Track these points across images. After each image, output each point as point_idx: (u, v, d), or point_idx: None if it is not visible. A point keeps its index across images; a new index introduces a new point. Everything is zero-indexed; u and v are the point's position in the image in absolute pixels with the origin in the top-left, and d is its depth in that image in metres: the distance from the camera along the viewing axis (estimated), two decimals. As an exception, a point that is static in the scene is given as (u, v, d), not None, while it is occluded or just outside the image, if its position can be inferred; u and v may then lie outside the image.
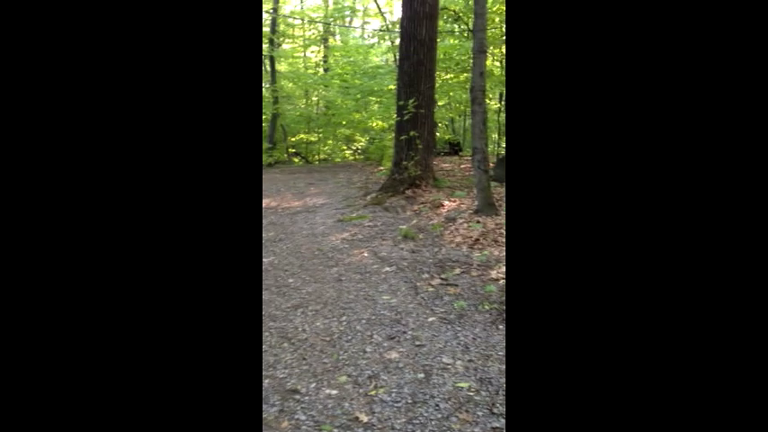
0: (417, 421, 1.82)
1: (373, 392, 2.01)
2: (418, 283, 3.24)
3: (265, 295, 3.18)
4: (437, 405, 1.90)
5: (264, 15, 14.06)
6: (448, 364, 2.21)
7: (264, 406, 1.95)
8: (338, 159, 13.45)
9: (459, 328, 2.56)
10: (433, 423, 1.80)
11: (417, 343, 2.43)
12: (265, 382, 2.13)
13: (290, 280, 3.45)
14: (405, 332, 2.55)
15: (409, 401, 1.94)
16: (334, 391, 2.04)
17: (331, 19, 14.36)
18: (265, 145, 12.72)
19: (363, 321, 2.71)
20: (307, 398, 2.00)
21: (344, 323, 2.70)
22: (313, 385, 2.09)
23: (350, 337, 2.53)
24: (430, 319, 2.70)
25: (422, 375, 2.12)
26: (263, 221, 5.44)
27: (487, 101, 7.62)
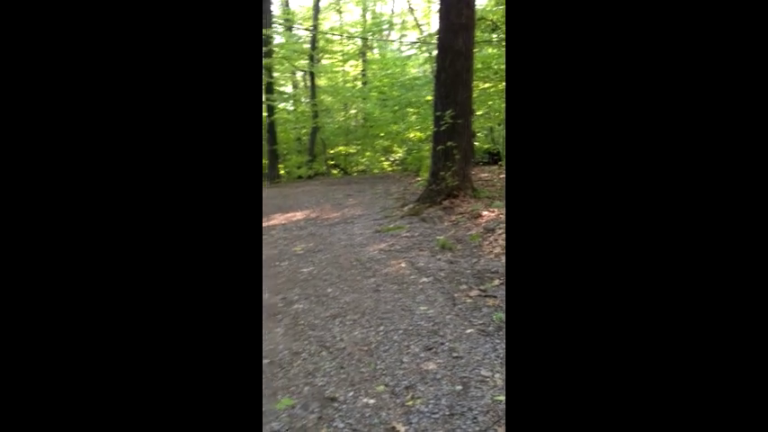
0: (455, 433, 1.80)
1: (410, 403, 2.02)
2: (456, 295, 3.22)
3: (305, 304, 3.25)
4: (475, 418, 1.88)
5: (305, 32, 14.50)
6: (486, 377, 2.18)
7: (304, 413, 2.00)
8: (376, 170, 13.57)
9: (497, 341, 2.52)
10: (470, 436, 1.78)
11: (455, 354, 2.41)
12: (305, 389, 2.18)
13: (329, 290, 3.52)
14: (442, 343, 2.54)
15: (447, 413, 1.93)
16: (372, 401, 2.06)
17: (369, 33, 14.63)
18: (305, 158, 13.04)
19: (400, 332, 2.71)
20: (344, 406, 2.03)
21: (382, 333, 2.72)
22: (351, 394, 2.12)
23: (387, 347, 2.54)
24: (468, 331, 2.67)
25: (459, 387, 2.11)
26: (303, 233, 5.57)
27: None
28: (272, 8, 13.33)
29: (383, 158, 14.55)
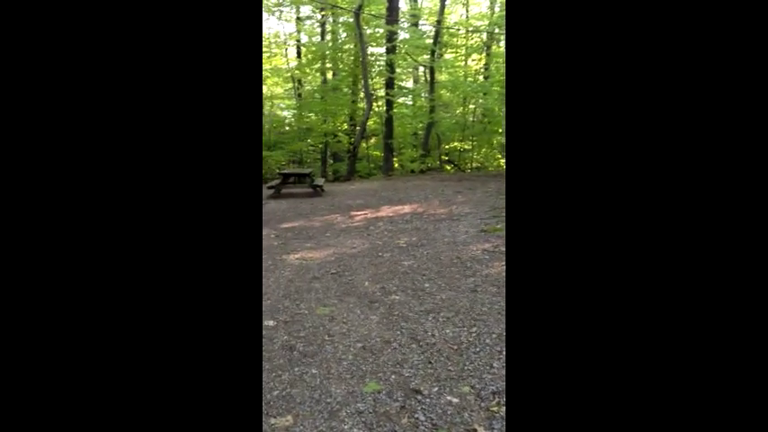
0: (537, 449, 1.72)
1: (495, 409, 1.97)
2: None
3: (401, 296, 3.34)
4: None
5: (429, 27, 14.58)
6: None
7: (388, 399, 2.07)
8: (491, 168, 13.21)
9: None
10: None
11: (549, 368, 2.28)
12: (392, 377, 2.26)
13: (426, 285, 3.56)
14: (536, 354, 2.42)
15: (531, 426, 1.85)
16: (456, 399, 2.06)
17: (495, 26, 14.19)
18: (419, 152, 13.19)
19: (494, 335, 2.65)
20: (428, 400, 2.06)
21: (474, 334, 2.69)
22: (435, 389, 2.14)
23: (478, 349, 2.51)
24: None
25: (549, 402, 2.00)
26: (408, 226, 5.68)
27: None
28: (400, 4, 13.63)
29: (500, 156, 14.10)
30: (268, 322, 2.99)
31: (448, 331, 2.74)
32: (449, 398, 2.07)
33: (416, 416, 1.95)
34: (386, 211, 6.85)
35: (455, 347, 2.54)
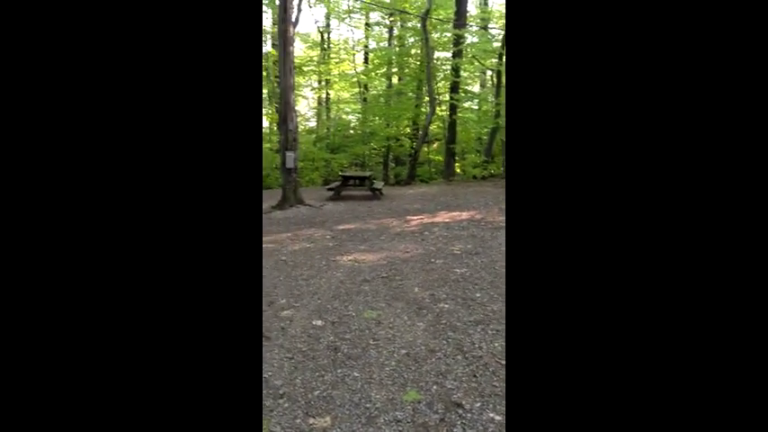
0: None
1: (540, 432, 1.86)
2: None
3: (450, 305, 3.26)
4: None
5: (498, 31, 14.25)
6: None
7: (428, 410, 2.02)
8: (557, 177, 12.60)
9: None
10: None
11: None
12: (433, 387, 2.20)
13: (477, 294, 3.45)
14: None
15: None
16: (498, 417, 1.96)
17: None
18: (482, 158, 12.90)
19: (545, 354, 2.51)
20: (469, 415, 1.99)
21: (524, 350, 2.56)
22: (478, 405, 2.06)
23: (527, 367, 2.38)
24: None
25: None
26: (464, 233, 5.56)
27: None
28: (469, 7, 13.45)
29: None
30: (316, 322, 3.05)
31: (497, 345, 2.64)
32: (491, 415, 1.98)
33: (455, 431, 1.89)
34: (443, 216, 6.76)
35: (502, 362, 2.43)
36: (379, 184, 9.89)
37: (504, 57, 13.10)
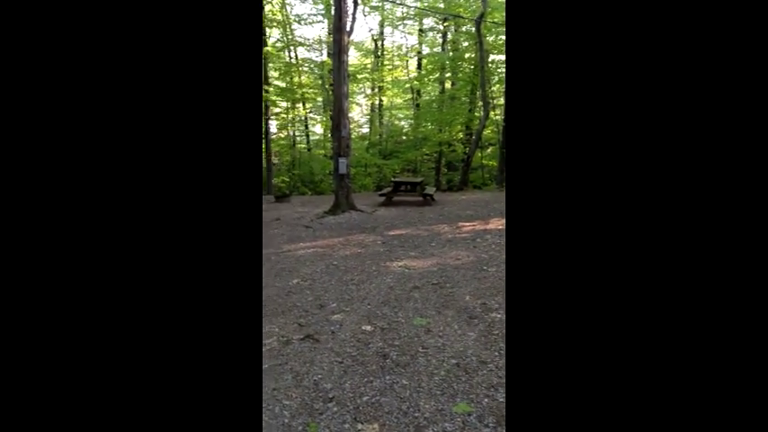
0: None
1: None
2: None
3: (503, 315, 3.16)
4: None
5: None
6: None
7: (478, 424, 1.96)
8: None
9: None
10: None
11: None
12: (484, 400, 2.13)
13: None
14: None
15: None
16: None
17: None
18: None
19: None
20: None
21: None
22: (531, 421, 1.97)
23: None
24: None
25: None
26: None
27: None
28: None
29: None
30: (365, 327, 3.06)
31: (552, 359, 2.51)
32: None
33: (507, 447, 1.81)
34: (495, 223, 6.59)
35: (558, 378, 2.32)
36: (430, 190, 9.83)
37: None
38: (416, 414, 2.05)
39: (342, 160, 8.16)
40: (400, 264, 4.64)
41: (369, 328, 3.04)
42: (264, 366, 2.53)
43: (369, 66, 18.34)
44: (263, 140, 15.19)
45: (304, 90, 16.46)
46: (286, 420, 2.01)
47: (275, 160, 16.43)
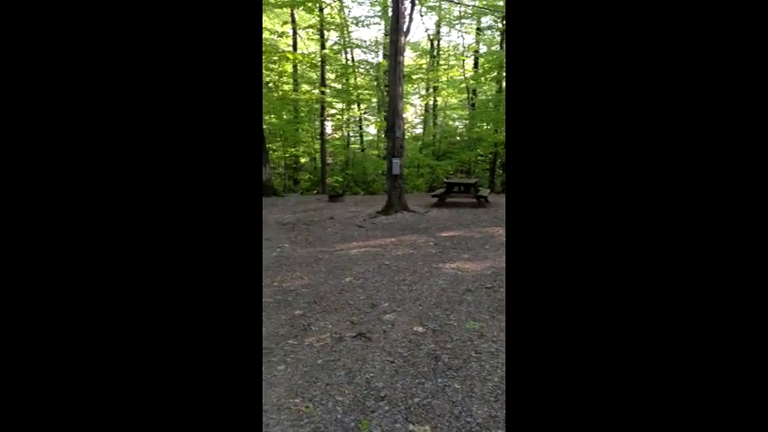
0: None
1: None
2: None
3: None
4: None
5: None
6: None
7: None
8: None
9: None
10: None
11: None
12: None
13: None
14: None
15: None
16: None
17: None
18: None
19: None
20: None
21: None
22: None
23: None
24: None
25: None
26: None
27: None
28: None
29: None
30: (417, 328, 3.05)
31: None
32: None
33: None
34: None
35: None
36: (484, 192, 9.64)
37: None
38: (469, 419, 2.02)
39: (395, 161, 8.20)
40: (453, 266, 4.59)
41: (420, 329, 3.03)
42: (318, 362, 2.59)
43: (424, 66, 18.28)
44: (319, 141, 15.58)
45: (359, 91, 16.68)
46: (339, 416, 2.05)
47: (330, 160, 16.79)
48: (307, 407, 2.14)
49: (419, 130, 19.78)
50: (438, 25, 17.73)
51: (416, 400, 2.17)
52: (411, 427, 1.97)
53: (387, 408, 2.12)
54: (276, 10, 15.24)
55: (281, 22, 15.76)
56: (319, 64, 15.13)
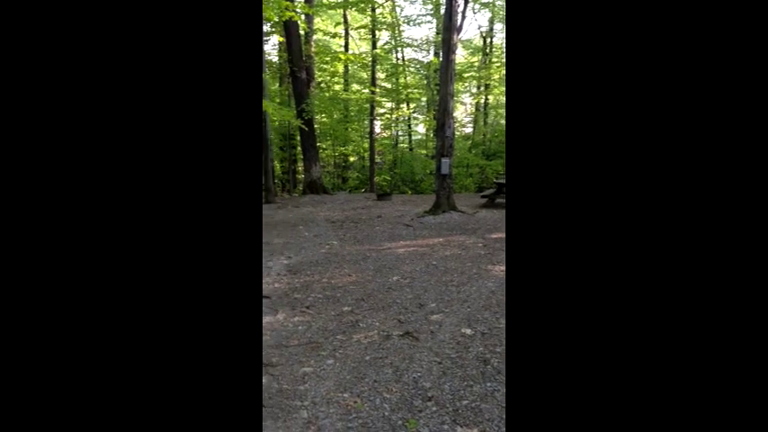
0: None
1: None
2: None
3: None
4: None
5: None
6: None
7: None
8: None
9: None
10: None
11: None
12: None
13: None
14: None
15: None
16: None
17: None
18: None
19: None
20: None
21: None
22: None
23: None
24: None
25: None
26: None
27: None
28: None
29: None
30: (465, 330, 3.01)
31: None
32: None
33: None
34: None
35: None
36: (536, 193, 9.35)
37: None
38: (518, 426, 1.97)
39: (445, 160, 8.13)
40: (502, 268, 4.50)
41: (469, 331, 3.00)
42: (366, 358, 2.62)
43: (476, 64, 17.99)
44: (368, 140, 15.72)
45: (409, 90, 16.67)
46: (386, 413, 2.07)
47: (378, 159, 16.90)
48: (355, 402, 2.17)
49: (469, 129, 19.49)
50: (491, 22, 17.38)
51: (465, 402, 2.15)
52: (459, 429, 1.96)
53: (434, 408, 2.11)
54: (330, 11, 15.51)
55: (333, 24, 16.02)
56: (370, 64, 15.25)
